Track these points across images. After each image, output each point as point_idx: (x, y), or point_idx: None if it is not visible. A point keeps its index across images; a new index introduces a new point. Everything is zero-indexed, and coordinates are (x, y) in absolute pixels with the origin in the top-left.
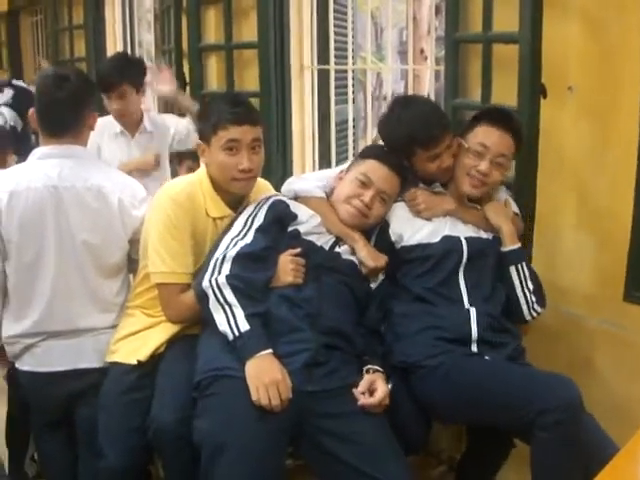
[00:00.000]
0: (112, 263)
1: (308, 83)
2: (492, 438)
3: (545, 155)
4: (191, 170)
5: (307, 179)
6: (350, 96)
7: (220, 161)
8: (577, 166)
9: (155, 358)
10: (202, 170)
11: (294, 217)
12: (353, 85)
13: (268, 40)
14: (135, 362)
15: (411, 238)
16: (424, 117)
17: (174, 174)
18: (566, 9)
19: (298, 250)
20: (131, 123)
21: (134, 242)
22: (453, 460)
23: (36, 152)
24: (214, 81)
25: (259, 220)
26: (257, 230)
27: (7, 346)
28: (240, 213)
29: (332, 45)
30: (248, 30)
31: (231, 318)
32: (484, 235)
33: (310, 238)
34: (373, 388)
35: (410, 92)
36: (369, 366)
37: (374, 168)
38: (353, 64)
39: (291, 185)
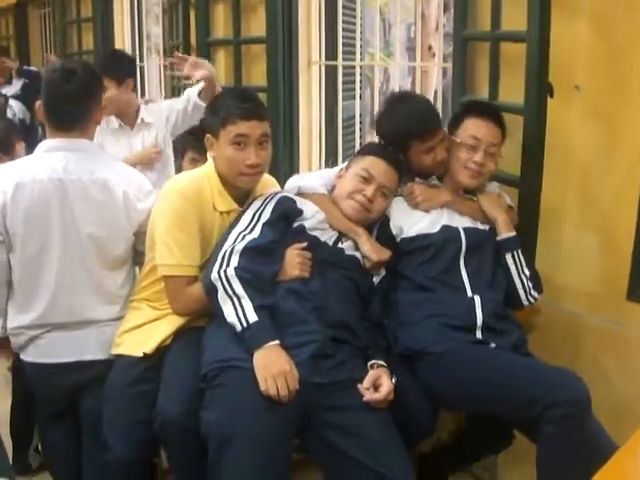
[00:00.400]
0: (116, 255)
1: (316, 78)
2: (492, 425)
3: (551, 154)
4: (194, 161)
5: (309, 177)
6: (357, 92)
7: (228, 155)
8: (583, 165)
9: (161, 350)
10: (209, 164)
11: (300, 213)
12: (360, 81)
13: (276, 35)
14: (141, 354)
15: (411, 230)
16: (419, 111)
17: (178, 169)
18: (574, 8)
19: (305, 244)
20: (128, 117)
21: (139, 234)
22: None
23: (42, 145)
24: (222, 76)
25: (266, 215)
26: (264, 224)
27: (12, 337)
28: (247, 208)
29: (340, 41)
30: (256, 25)
31: (239, 309)
32: (481, 226)
33: (315, 233)
34: (378, 383)
35: (417, 89)
36: (373, 361)
37: (374, 164)
38: (361, 60)
39: (294, 182)
